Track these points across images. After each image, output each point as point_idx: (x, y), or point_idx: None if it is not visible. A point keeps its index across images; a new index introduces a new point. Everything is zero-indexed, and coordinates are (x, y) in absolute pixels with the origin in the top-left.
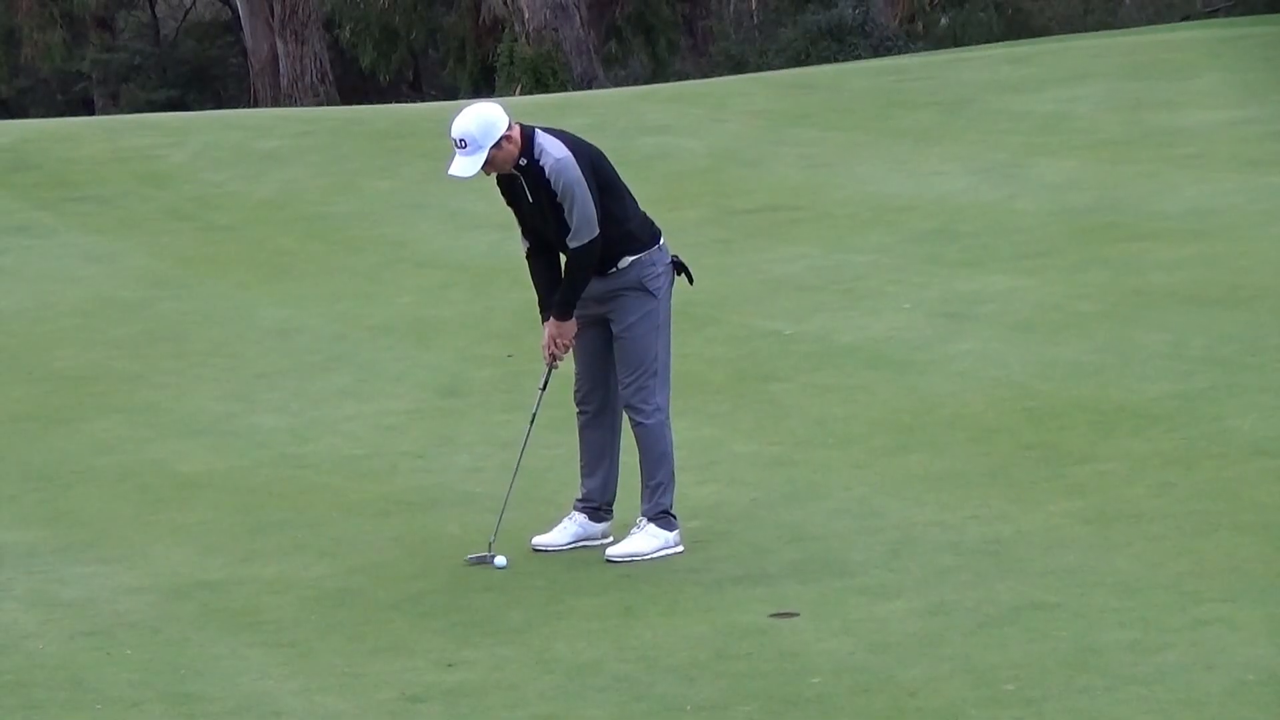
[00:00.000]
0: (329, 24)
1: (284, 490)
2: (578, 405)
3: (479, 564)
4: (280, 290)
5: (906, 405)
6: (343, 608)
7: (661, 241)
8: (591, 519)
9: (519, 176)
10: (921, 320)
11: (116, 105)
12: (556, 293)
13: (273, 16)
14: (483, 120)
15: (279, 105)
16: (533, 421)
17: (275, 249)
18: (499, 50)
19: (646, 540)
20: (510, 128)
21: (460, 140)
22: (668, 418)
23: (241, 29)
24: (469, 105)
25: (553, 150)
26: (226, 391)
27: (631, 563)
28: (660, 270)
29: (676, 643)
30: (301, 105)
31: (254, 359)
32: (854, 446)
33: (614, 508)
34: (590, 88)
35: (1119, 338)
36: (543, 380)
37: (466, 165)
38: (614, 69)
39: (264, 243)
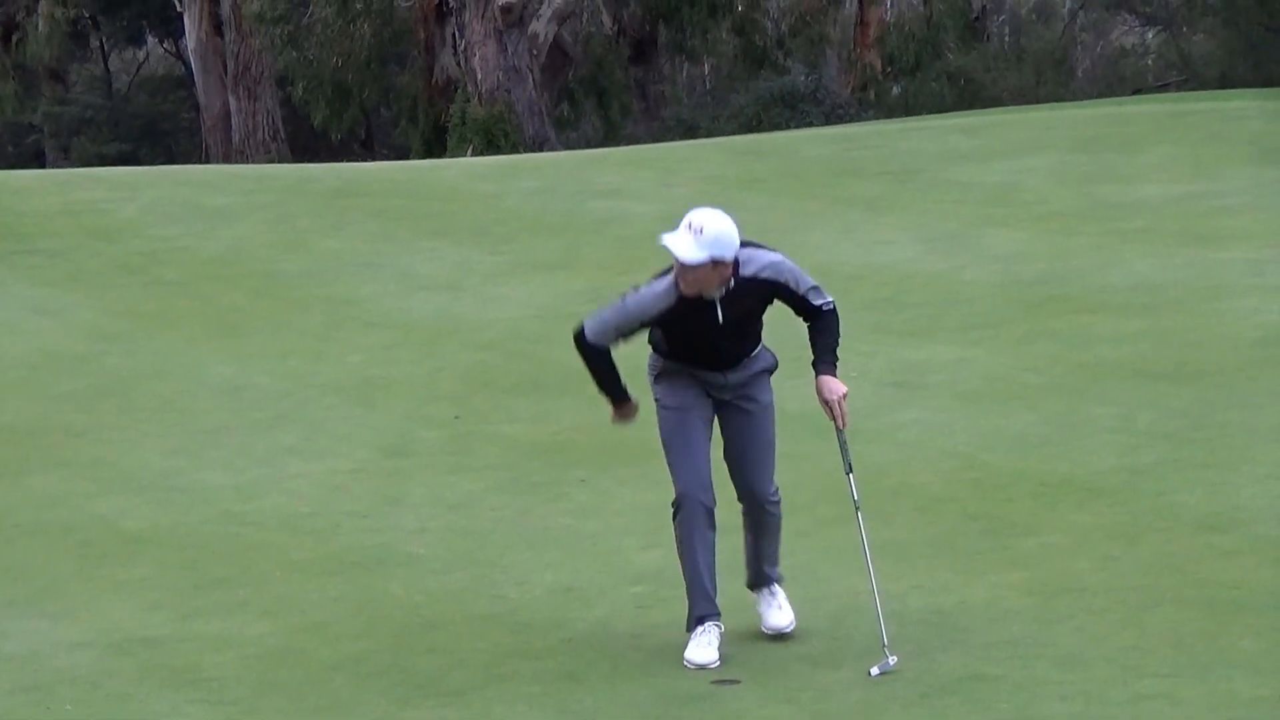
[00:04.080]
0: (282, 81)
1: (227, 548)
2: (700, 497)
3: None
4: (228, 347)
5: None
6: (284, 667)
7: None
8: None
9: (713, 302)
10: (869, 389)
11: (68, 158)
12: (823, 353)
13: (225, 73)
14: (724, 229)
15: (231, 161)
16: (857, 511)
17: (224, 306)
18: (451, 110)
19: (786, 602)
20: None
21: (699, 228)
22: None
23: (194, 84)
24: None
25: (759, 255)
26: (172, 447)
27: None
28: (774, 361)
29: (618, 708)
30: (253, 162)
31: (201, 415)
32: (799, 514)
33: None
34: (542, 150)
35: (1066, 410)
36: (847, 455)
37: (691, 249)
38: (566, 132)
39: (213, 299)
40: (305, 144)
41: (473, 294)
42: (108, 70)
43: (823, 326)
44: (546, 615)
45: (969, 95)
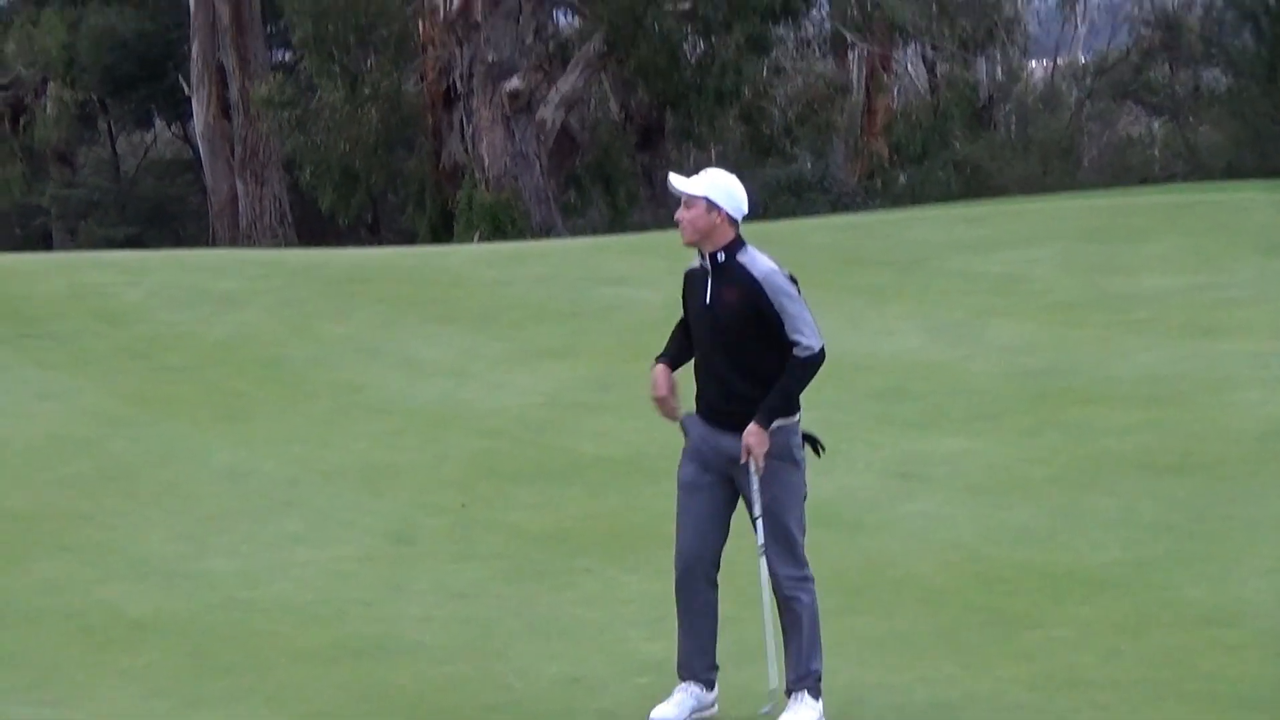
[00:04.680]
0: (289, 165)
1: (232, 634)
2: (683, 570)
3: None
4: (234, 432)
5: (856, 566)
6: None
7: (798, 416)
8: (706, 689)
9: (707, 274)
10: (873, 480)
11: (75, 241)
12: (770, 398)
13: (233, 156)
14: (730, 184)
15: (237, 245)
16: (761, 555)
17: (229, 391)
18: (459, 196)
19: (808, 712)
20: (734, 222)
21: (704, 171)
22: (814, 584)
23: (202, 168)
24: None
25: (765, 261)
26: (177, 533)
27: None
28: (799, 441)
29: None
30: (260, 246)
31: (206, 501)
32: None
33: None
34: (549, 236)
35: (1070, 502)
36: (754, 496)
37: (689, 182)
38: (573, 218)
39: (218, 384)
40: (312, 228)
41: (479, 380)
42: (115, 153)
43: (787, 368)
44: (552, 706)
45: (975, 184)
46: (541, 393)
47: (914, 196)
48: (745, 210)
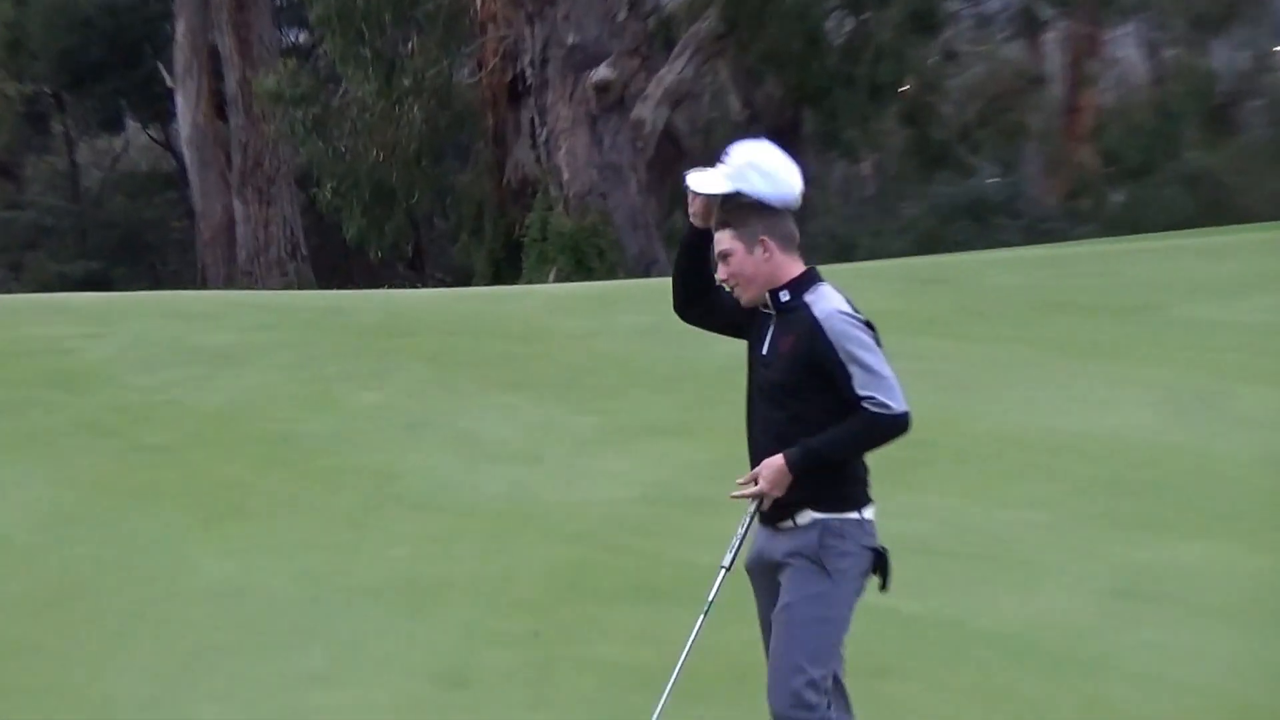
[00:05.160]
0: (303, 181)
1: None
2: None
3: None
4: (229, 535)
5: (1067, 713)
6: None
7: (867, 514)
8: None
9: (771, 317)
10: (1087, 601)
11: (19, 280)
12: (818, 440)
13: (229, 168)
14: (766, 161)
15: (235, 285)
16: (706, 612)
17: (223, 479)
18: (528, 221)
19: None
20: (786, 246)
21: (728, 154)
22: None
23: (188, 183)
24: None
25: (831, 297)
26: (152, 670)
27: None
28: (851, 549)
29: None
30: (265, 286)
31: (191, 628)
32: None
33: None
34: (649, 274)
35: None
36: (741, 530)
37: (710, 179)
38: None
39: (208, 470)
40: (334, 264)
41: (557, 467)
42: (74, 164)
43: (851, 420)
44: None
45: (1214, 207)
46: (640, 484)
47: (1133, 223)
48: (796, 231)
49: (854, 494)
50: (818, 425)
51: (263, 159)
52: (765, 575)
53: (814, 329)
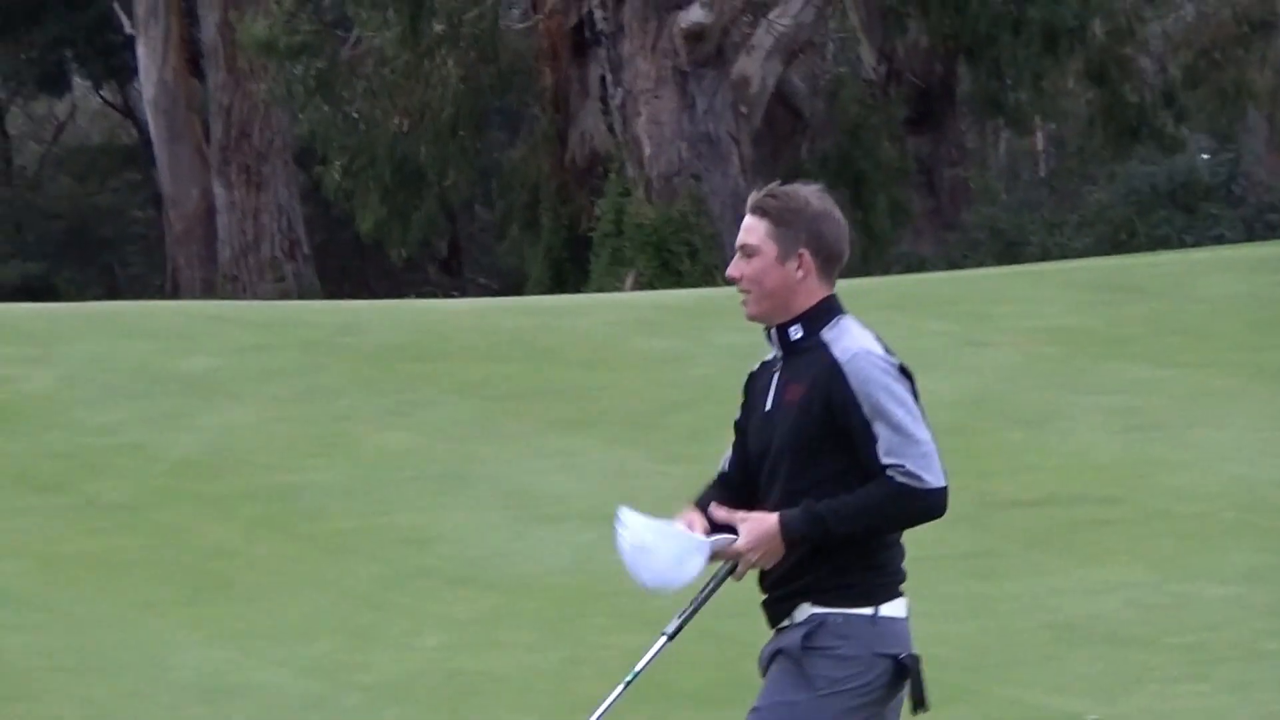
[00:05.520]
0: (304, 158)
1: None
2: None
3: None
4: (214, 617)
5: None
6: None
7: (888, 611)
8: None
9: (776, 362)
10: None
11: None
12: (823, 505)
13: (207, 141)
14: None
15: (216, 294)
16: (629, 683)
17: (204, 546)
18: (598, 211)
19: None
20: (826, 276)
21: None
22: None
23: (153, 162)
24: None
25: (861, 338)
26: None
27: None
28: (853, 654)
29: None
30: (255, 295)
31: None
32: None
33: None
34: None
35: None
36: (708, 586)
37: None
38: None
39: (185, 535)
40: (343, 265)
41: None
42: (4, 136)
43: (871, 487)
44: None
45: None
46: None
47: None
48: (846, 252)
49: (869, 585)
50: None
51: (251, 129)
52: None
53: (833, 372)
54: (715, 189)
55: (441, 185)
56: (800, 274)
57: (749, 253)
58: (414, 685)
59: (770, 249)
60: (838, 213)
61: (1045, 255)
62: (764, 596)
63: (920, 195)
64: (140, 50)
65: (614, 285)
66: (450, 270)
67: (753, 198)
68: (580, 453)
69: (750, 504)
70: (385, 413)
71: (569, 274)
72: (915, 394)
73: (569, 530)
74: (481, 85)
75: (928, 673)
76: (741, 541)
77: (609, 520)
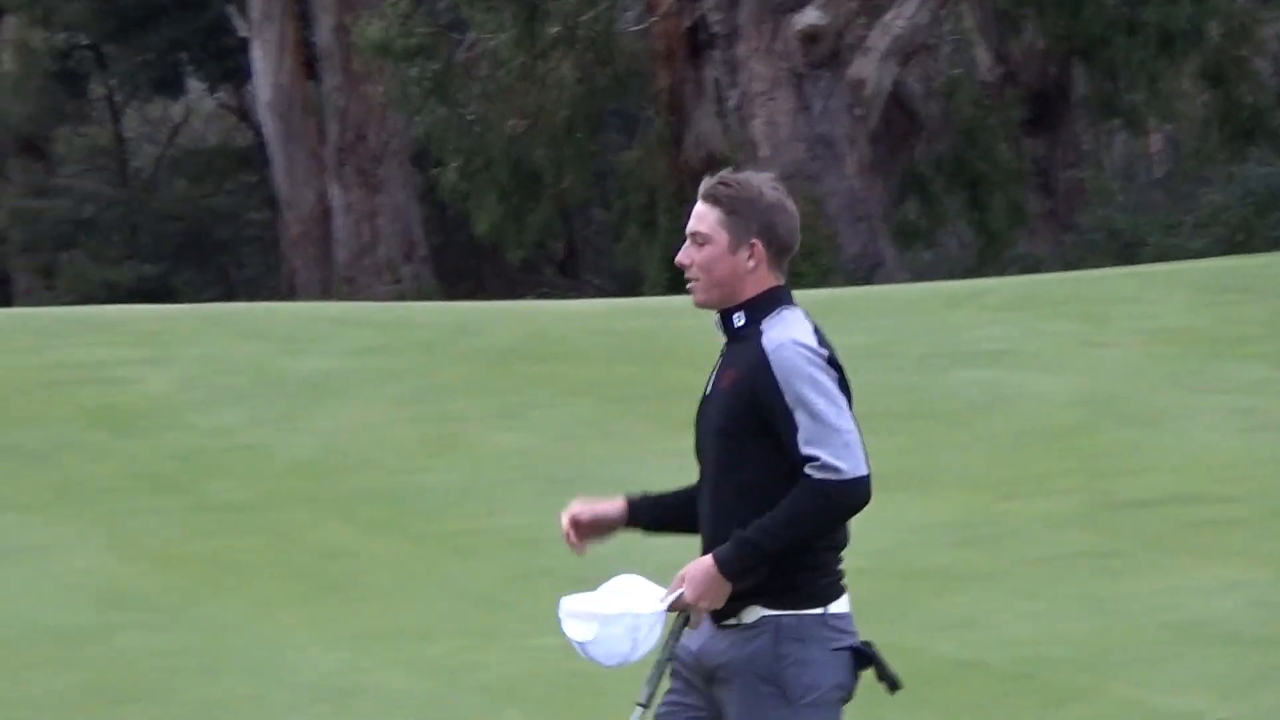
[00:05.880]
0: (420, 159)
1: None
2: None
3: None
4: (331, 619)
5: None
6: None
7: (835, 608)
8: None
9: (723, 351)
10: None
11: (51, 289)
12: (747, 531)
13: (323, 143)
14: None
15: (332, 296)
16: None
17: (320, 547)
18: None
19: None
20: (777, 265)
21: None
22: None
23: (269, 164)
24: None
25: (794, 328)
26: None
27: None
28: (815, 656)
29: None
30: (371, 297)
31: None
32: None
33: None
34: (871, 280)
35: None
36: (668, 644)
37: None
38: (913, 247)
39: (301, 536)
40: (460, 267)
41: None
42: (120, 139)
43: (791, 496)
44: None
45: None
46: (859, 552)
47: None
48: (796, 244)
49: (817, 586)
50: (770, 496)
51: (367, 131)
52: (697, 675)
53: (760, 361)
54: (831, 190)
55: (558, 187)
56: (751, 263)
57: (700, 240)
58: (532, 685)
59: (721, 237)
60: (790, 204)
61: (1162, 256)
62: None
63: (1036, 196)
64: (255, 53)
65: None
66: (566, 272)
67: (705, 184)
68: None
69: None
70: (501, 414)
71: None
72: (845, 385)
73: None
74: (597, 87)
75: (1047, 673)
76: (689, 594)
77: None
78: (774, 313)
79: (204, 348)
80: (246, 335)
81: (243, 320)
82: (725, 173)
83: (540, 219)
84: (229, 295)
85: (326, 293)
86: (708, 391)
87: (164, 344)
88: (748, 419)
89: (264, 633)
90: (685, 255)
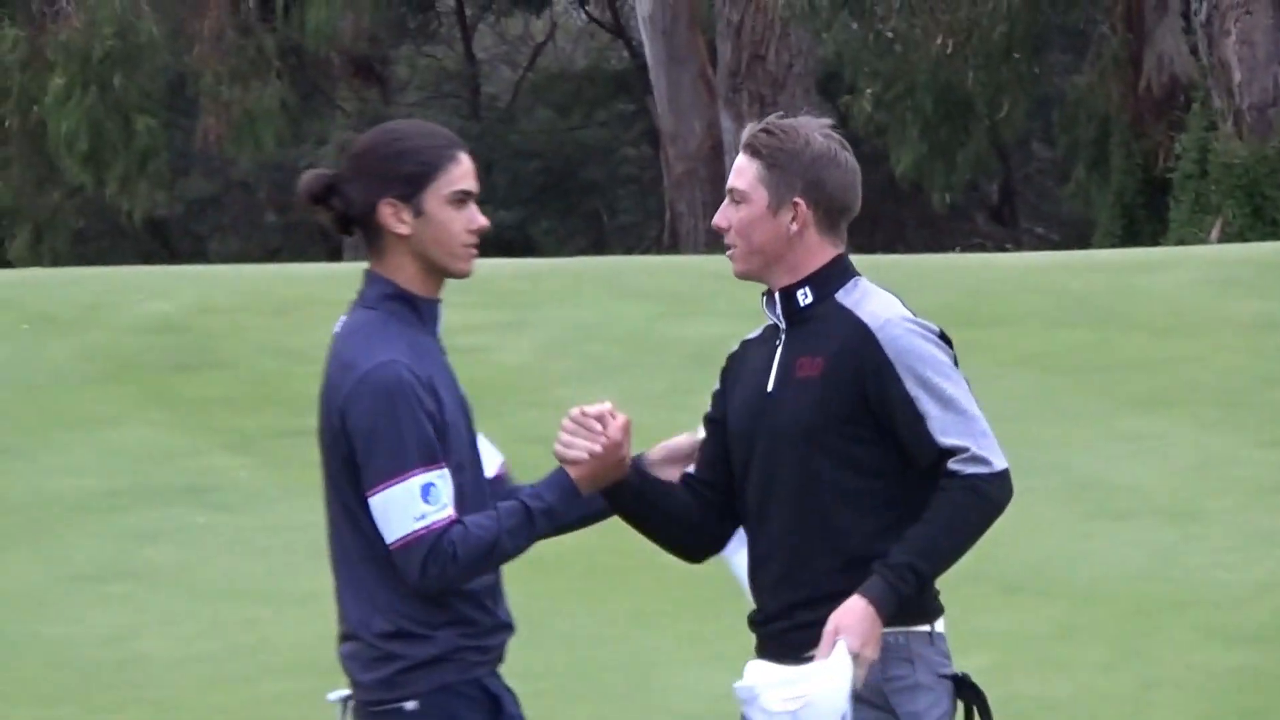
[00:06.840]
0: (829, 85)
1: None
2: None
3: None
4: (703, 637)
5: None
6: None
7: (941, 628)
8: None
9: (778, 334)
10: None
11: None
12: (900, 552)
13: (714, 67)
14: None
15: (721, 250)
16: None
17: None
18: (1179, 148)
19: None
20: (832, 230)
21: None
22: None
23: (649, 91)
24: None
25: (888, 302)
26: None
27: None
28: (924, 680)
29: None
30: None
31: None
32: None
33: None
34: None
35: None
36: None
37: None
38: None
39: None
40: (874, 212)
41: (1223, 530)
42: (471, 61)
43: (941, 501)
44: None
45: None
46: None
47: None
48: (855, 204)
49: (921, 598)
50: (854, 529)
51: (765, 51)
52: None
53: (864, 340)
54: None
55: (992, 118)
56: (795, 227)
57: (737, 199)
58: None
59: (760, 196)
60: (846, 155)
61: None
62: (775, 622)
63: None
64: None
65: (1198, 237)
66: (1002, 219)
67: (746, 132)
68: (1159, 436)
69: (723, 512)
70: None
71: (1144, 223)
72: (954, 359)
73: (1145, 528)
74: (1038, 2)
75: None
76: (853, 644)
77: (1193, 517)
78: (848, 285)
79: (572, 311)
80: (623, 295)
81: (617, 278)
82: (773, 118)
83: (971, 155)
84: (600, 247)
85: (716, 244)
86: (769, 387)
87: (525, 307)
88: (846, 414)
89: (635, 649)
90: (722, 216)
